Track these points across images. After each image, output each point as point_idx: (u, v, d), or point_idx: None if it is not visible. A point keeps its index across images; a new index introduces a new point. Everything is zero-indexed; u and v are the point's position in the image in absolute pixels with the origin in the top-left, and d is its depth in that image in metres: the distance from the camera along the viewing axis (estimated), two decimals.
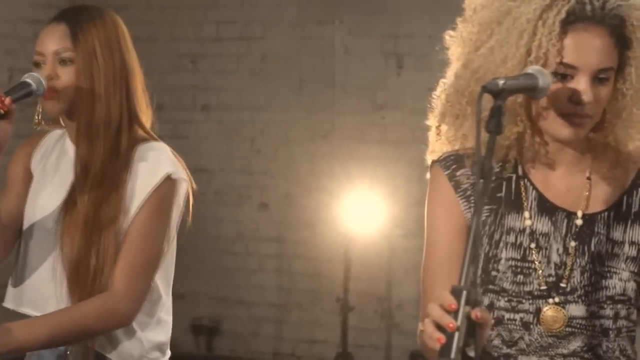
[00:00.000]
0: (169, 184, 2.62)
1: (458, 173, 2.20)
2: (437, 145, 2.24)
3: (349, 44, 6.66)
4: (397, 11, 6.47)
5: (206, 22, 7.02)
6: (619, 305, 2.15)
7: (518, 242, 2.17)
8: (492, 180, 2.20)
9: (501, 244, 2.18)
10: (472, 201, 2.17)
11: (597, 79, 2.10)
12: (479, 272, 2.17)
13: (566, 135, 2.12)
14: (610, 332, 2.15)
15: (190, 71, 7.05)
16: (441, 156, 2.22)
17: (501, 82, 1.95)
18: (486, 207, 2.19)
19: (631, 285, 2.15)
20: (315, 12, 6.73)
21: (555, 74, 2.09)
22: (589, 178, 2.19)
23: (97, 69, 2.63)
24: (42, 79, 2.59)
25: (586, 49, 2.09)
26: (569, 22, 2.09)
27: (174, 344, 2.80)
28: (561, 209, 2.18)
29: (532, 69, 2.05)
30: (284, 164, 6.81)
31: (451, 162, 2.21)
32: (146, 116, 2.72)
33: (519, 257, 2.17)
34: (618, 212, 2.18)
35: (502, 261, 2.17)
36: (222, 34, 7.00)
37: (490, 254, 2.18)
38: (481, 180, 1.86)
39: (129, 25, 2.76)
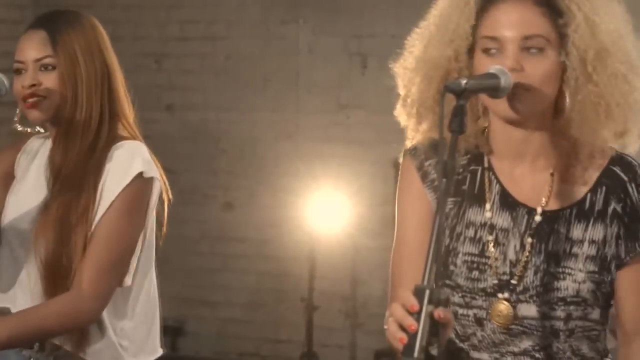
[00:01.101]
0: (140, 182, 2.62)
1: (426, 163, 2.20)
2: (416, 135, 2.25)
3: (313, 44, 6.66)
4: (361, 11, 6.48)
5: (170, 21, 7.00)
6: (572, 307, 2.13)
7: (477, 236, 2.17)
8: (459, 173, 2.20)
9: (461, 238, 2.18)
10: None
11: (527, 49, 2.08)
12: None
13: (506, 111, 2.08)
14: (561, 333, 2.14)
15: (154, 71, 7.03)
16: (413, 146, 2.23)
17: (463, 81, 1.97)
18: (451, 199, 2.18)
19: (587, 287, 2.13)
20: (279, 12, 6.73)
21: (483, 50, 2.10)
22: (552, 174, 2.17)
23: (79, 74, 2.64)
24: (3, 79, 2.58)
25: (506, 17, 2.09)
26: (490, 1, 2.11)
27: None
28: (522, 205, 2.16)
29: (494, 68, 2.05)
30: (249, 164, 6.80)
31: (420, 152, 2.21)
32: (129, 114, 2.74)
33: (476, 252, 2.17)
34: (581, 209, 2.16)
35: (460, 255, 2.17)
36: (186, 34, 6.98)
37: (451, 247, 2.18)
38: (444, 180, 1.87)
39: None
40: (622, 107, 2.12)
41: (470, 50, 2.15)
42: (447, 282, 2.17)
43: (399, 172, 2.25)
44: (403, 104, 2.22)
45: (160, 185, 2.67)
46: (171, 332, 6.97)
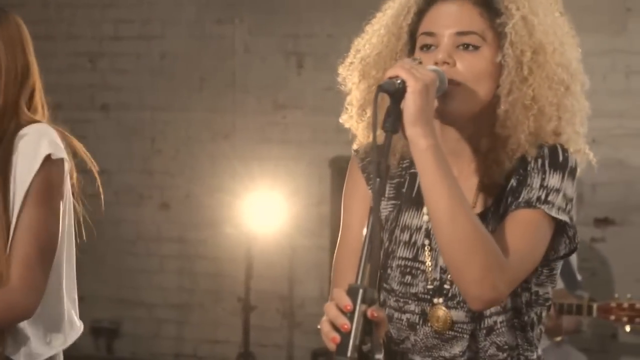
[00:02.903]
0: (49, 165, 2.59)
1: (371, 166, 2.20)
2: (361, 138, 2.25)
3: (249, 44, 6.65)
4: (297, 11, 6.48)
5: (104, 20, 6.94)
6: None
7: (412, 240, 2.17)
8: (400, 175, 2.20)
9: (397, 241, 2.18)
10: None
11: (464, 47, 2.10)
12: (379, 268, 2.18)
13: (438, 108, 2.05)
14: (480, 332, 2.14)
15: (88, 70, 6.97)
16: (357, 148, 2.24)
17: (397, 81, 1.97)
18: (391, 202, 2.19)
19: None
20: (215, 11, 6.71)
21: (421, 47, 2.12)
22: (481, 174, 2.16)
23: None
24: None
25: (443, 15, 2.12)
26: (431, 2, 2.14)
27: (73, 346, 2.77)
28: None
29: (430, 68, 2.06)
30: (185, 164, 6.77)
31: (365, 154, 2.22)
32: (40, 117, 2.71)
33: (410, 257, 2.17)
34: (497, 208, 2.14)
35: (396, 259, 2.17)
36: (120, 33, 6.93)
37: (390, 250, 2.18)
38: (377, 180, 1.87)
39: (25, 24, 2.75)
40: (556, 107, 2.12)
41: (412, 51, 2.16)
42: (384, 285, 2.17)
43: (347, 172, 2.25)
44: (346, 106, 2.23)
45: (69, 166, 2.65)
46: (107, 334, 6.92)
